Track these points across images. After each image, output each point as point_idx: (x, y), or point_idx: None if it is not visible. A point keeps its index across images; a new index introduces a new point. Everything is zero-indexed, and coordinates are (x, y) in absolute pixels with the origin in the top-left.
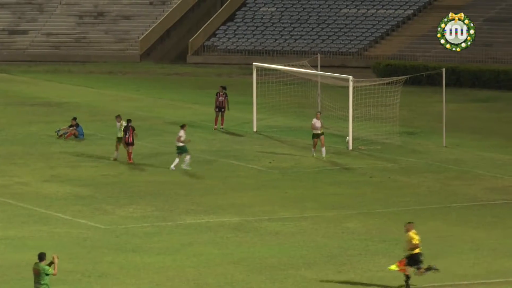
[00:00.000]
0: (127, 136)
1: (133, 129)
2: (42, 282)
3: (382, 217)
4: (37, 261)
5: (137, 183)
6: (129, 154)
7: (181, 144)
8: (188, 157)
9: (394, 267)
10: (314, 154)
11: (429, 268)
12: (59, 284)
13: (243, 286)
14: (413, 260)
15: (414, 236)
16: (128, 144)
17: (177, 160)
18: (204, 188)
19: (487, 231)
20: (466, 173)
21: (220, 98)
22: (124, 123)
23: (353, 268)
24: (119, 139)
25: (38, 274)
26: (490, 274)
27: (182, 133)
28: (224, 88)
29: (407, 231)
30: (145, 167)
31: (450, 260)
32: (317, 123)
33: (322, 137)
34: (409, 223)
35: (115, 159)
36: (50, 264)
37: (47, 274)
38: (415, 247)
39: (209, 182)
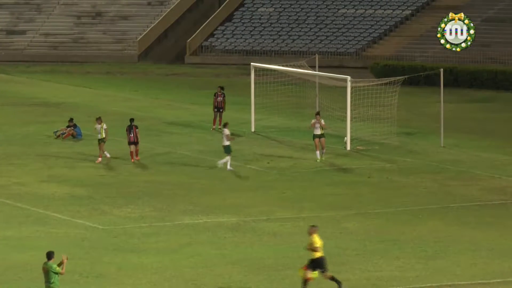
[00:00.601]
0: (132, 135)
1: (137, 128)
2: (51, 281)
3: (380, 217)
4: (46, 260)
5: (135, 183)
6: (132, 152)
7: (228, 143)
8: (228, 158)
9: (300, 272)
10: (319, 157)
11: (335, 280)
12: None
13: (241, 286)
14: (316, 264)
15: (316, 239)
16: (132, 143)
17: (228, 157)
18: (202, 189)
19: (485, 231)
20: (463, 174)
21: (219, 98)
22: (105, 126)
23: (351, 268)
24: (100, 141)
25: (46, 273)
26: (488, 274)
27: (227, 131)
28: (222, 88)
29: (310, 234)
30: (143, 167)
31: (448, 260)
32: (316, 123)
33: (323, 139)
34: (313, 226)
35: (100, 161)
36: (59, 264)
37: (55, 273)
38: (315, 250)
39: (207, 183)
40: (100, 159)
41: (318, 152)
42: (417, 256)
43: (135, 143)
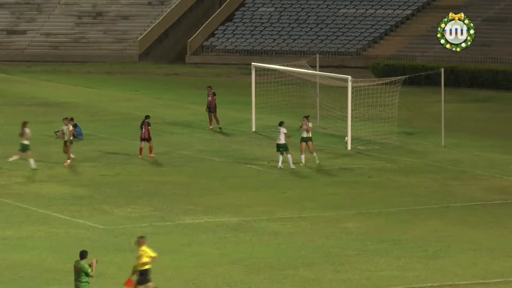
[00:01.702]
0: (143, 131)
1: (149, 125)
2: (83, 280)
3: (381, 217)
4: (78, 258)
5: (136, 183)
6: (141, 148)
7: (283, 142)
8: (289, 156)
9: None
10: (304, 162)
11: None
12: (56, 284)
13: (242, 286)
14: (144, 276)
15: (148, 250)
16: (144, 139)
17: (281, 157)
18: (203, 188)
19: (485, 231)
20: (464, 173)
21: (209, 98)
22: (71, 127)
23: (352, 268)
24: (66, 143)
25: (78, 272)
26: (488, 274)
27: (285, 130)
28: (211, 87)
29: (139, 245)
30: (143, 167)
31: (448, 260)
32: (304, 126)
33: (310, 143)
34: (141, 237)
35: (69, 163)
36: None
37: (86, 274)
38: (145, 263)
39: (207, 182)
40: (68, 161)
41: (303, 156)
42: (417, 256)
43: (146, 139)
